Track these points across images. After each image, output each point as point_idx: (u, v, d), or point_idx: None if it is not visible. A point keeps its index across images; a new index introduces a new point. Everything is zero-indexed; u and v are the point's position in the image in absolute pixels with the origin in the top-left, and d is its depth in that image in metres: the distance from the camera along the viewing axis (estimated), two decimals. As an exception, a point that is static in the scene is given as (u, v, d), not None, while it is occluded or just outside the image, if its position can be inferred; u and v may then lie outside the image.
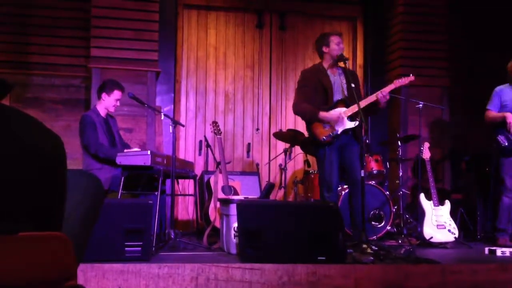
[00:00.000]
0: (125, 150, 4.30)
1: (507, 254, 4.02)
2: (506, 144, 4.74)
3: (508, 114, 4.75)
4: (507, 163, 4.77)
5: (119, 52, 5.74)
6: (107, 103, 4.56)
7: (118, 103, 4.61)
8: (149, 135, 5.77)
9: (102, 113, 4.59)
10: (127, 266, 2.95)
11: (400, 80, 4.45)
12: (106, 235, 3.11)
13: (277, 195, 6.12)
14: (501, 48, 4.95)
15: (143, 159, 4.02)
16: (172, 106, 6.22)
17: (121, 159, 4.08)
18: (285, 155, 5.87)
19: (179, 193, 5.57)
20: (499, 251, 4.05)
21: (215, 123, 5.28)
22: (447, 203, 4.86)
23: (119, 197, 4.12)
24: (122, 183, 4.12)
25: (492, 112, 4.89)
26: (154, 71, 5.86)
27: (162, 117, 4.55)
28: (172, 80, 6.28)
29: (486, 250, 4.18)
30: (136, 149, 4.57)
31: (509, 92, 4.87)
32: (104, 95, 4.55)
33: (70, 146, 5.64)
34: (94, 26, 5.73)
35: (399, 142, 5.51)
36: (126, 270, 2.93)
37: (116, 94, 4.56)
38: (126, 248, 3.16)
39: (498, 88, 4.94)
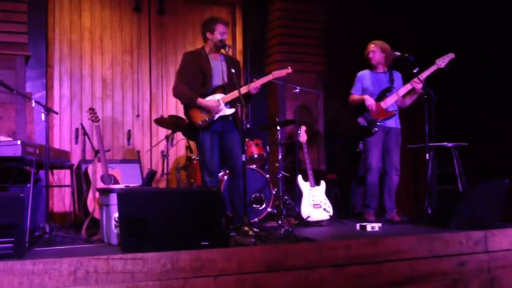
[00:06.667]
0: None
1: (376, 229, 4.35)
2: (366, 125, 5.05)
3: (366, 97, 5.04)
4: (369, 143, 5.07)
5: (-17, 35, 5.31)
6: None
7: None
8: (19, 124, 5.42)
9: None
10: (-3, 264, 2.76)
11: (277, 72, 4.66)
12: (-29, 233, 2.88)
13: (160, 182, 6.05)
14: (373, 37, 5.26)
15: (13, 149, 3.77)
16: (45, 92, 5.88)
17: (-13, 150, 3.78)
18: (167, 141, 5.82)
19: (54, 184, 5.30)
20: (369, 227, 4.36)
21: (92, 110, 5.12)
22: (323, 183, 5.12)
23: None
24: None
25: (355, 95, 5.19)
26: (23, 55, 5.53)
27: (33, 104, 4.27)
28: (44, 65, 5.93)
29: (358, 226, 4.49)
30: (4, 138, 4.24)
31: (369, 77, 5.18)
32: None
33: None
34: (-48, 5, 5.23)
35: (277, 126, 5.69)
36: (-4, 269, 2.74)
37: None
38: (-5, 246, 2.94)
39: (359, 74, 5.24)
